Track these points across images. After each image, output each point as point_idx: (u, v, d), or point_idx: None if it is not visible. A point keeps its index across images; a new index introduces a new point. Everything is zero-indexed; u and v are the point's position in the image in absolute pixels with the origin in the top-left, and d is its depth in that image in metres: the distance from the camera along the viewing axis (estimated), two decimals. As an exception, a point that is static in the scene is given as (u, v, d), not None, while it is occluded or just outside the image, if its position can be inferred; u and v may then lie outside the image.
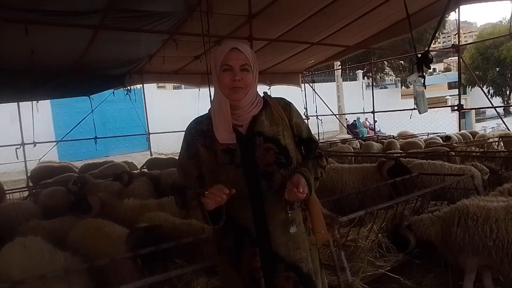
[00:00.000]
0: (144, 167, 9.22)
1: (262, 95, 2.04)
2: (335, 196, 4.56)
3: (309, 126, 2.19)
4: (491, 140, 9.85)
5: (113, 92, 10.57)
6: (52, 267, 2.99)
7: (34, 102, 9.32)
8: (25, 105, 9.42)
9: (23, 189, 8.04)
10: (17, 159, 9.41)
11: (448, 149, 7.35)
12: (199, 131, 1.94)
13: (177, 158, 2.13)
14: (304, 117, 2.15)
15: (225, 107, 1.86)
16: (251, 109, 1.91)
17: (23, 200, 7.00)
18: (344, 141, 12.09)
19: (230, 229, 1.87)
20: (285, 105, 1.99)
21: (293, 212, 1.87)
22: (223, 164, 1.85)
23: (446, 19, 20.51)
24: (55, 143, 12.06)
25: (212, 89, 2.03)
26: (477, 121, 24.13)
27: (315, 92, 13.98)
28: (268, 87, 12.05)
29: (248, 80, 1.87)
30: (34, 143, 9.65)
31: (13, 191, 7.75)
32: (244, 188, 1.84)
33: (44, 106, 15.04)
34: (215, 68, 1.89)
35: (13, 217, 5.13)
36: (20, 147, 9.47)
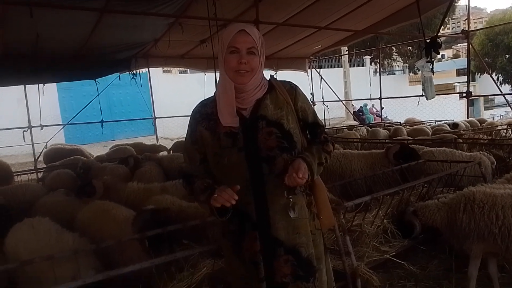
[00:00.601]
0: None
1: (268, 78, 2.02)
2: (341, 181, 4.56)
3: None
4: (499, 127, 9.76)
5: (119, 76, 10.55)
6: (60, 247, 3.03)
7: (41, 85, 9.33)
8: (32, 89, 9.44)
9: (31, 171, 8.15)
10: (24, 141, 9.50)
11: (456, 136, 7.30)
12: (204, 114, 1.95)
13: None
14: (310, 102, 2.12)
15: (230, 90, 1.85)
16: (256, 92, 1.90)
17: (31, 182, 7.09)
18: (350, 127, 12.04)
19: (232, 213, 1.87)
20: (291, 89, 1.97)
21: (294, 197, 1.87)
22: (225, 147, 1.86)
23: (455, 4, 20.18)
24: (61, 126, 12.11)
25: (218, 74, 2.01)
26: (486, 108, 23.92)
27: (321, 77, 13.87)
28: (275, 72, 11.96)
29: (254, 64, 1.85)
30: (41, 126, 9.70)
31: (21, 173, 7.86)
32: (246, 171, 1.85)
33: (51, 90, 15.07)
34: (222, 50, 1.87)
35: (20, 199, 5.22)
36: (27, 130, 9.54)
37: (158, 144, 10.39)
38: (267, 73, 2.00)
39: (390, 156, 5.13)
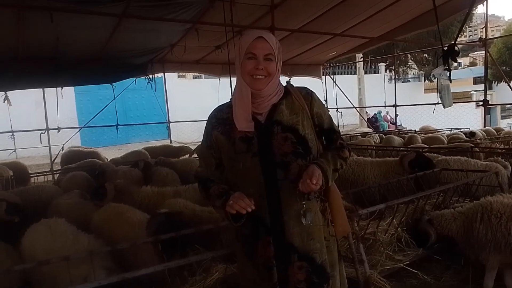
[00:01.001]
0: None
1: (285, 84, 2.04)
2: (355, 189, 4.52)
3: (329, 118, 2.17)
4: (516, 137, 9.58)
5: (135, 81, 10.68)
6: (75, 249, 3.07)
7: (59, 88, 9.49)
8: (50, 92, 9.61)
9: (47, 173, 8.29)
10: (41, 143, 9.66)
11: (472, 145, 7.19)
12: (219, 119, 1.97)
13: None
14: (326, 108, 2.12)
15: (246, 95, 1.87)
16: (272, 98, 1.92)
17: (47, 183, 7.22)
18: (364, 134, 11.96)
19: (246, 218, 1.87)
20: (307, 95, 1.98)
21: (308, 203, 1.87)
22: (240, 152, 1.87)
23: (473, 12, 19.89)
24: (78, 129, 12.29)
25: (233, 79, 2.04)
26: (503, 117, 23.52)
27: (336, 84, 13.82)
28: (289, 78, 11.97)
29: (271, 69, 1.87)
30: (58, 129, 9.86)
31: (37, 174, 8.00)
32: (260, 176, 1.85)
33: (68, 93, 15.29)
34: (239, 56, 1.90)
35: (36, 199, 5.31)
36: (44, 132, 9.70)
37: (186, 146, 10.49)
38: (282, 79, 2.02)
39: (405, 163, 5.08)
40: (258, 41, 1.86)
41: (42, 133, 9.62)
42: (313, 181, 1.71)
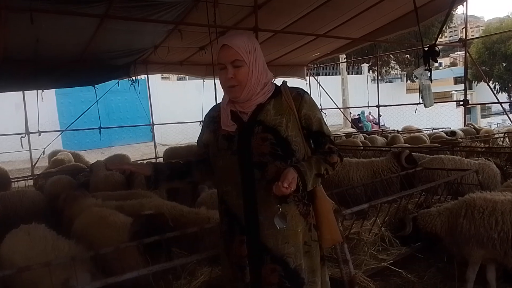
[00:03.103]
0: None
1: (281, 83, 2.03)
2: (339, 189, 4.54)
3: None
4: (496, 136, 9.80)
5: (118, 82, 10.53)
6: (55, 255, 3.01)
7: (39, 91, 9.31)
8: (30, 94, 9.41)
9: (28, 178, 8.12)
10: (22, 148, 9.44)
11: (451, 144, 7.32)
12: (211, 117, 2.02)
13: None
14: (318, 111, 2.07)
15: (225, 100, 1.95)
16: (257, 98, 1.91)
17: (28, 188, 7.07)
18: (348, 134, 12.05)
19: (225, 215, 1.92)
20: (297, 95, 1.93)
21: (284, 206, 1.83)
22: (221, 149, 1.89)
23: (453, 13, 20.28)
24: (59, 132, 12.07)
25: (218, 81, 2.05)
26: (483, 116, 24.05)
27: (319, 85, 13.90)
28: (273, 80, 11.98)
29: (241, 76, 1.84)
30: (39, 132, 9.66)
31: (18, 179, 7.84)
32: (238, 175, 1.85)
33: (49, 96, 14.99)
34: (217, 66, 1.96)
35: (17, 205, 5.20)
36: (25, 136, 9.48)
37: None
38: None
39: (402, 160, 5.12)
40: (223, 50, 1.85)
41: (22, 137, 9.37)
42: (285, 184, 1.66)
